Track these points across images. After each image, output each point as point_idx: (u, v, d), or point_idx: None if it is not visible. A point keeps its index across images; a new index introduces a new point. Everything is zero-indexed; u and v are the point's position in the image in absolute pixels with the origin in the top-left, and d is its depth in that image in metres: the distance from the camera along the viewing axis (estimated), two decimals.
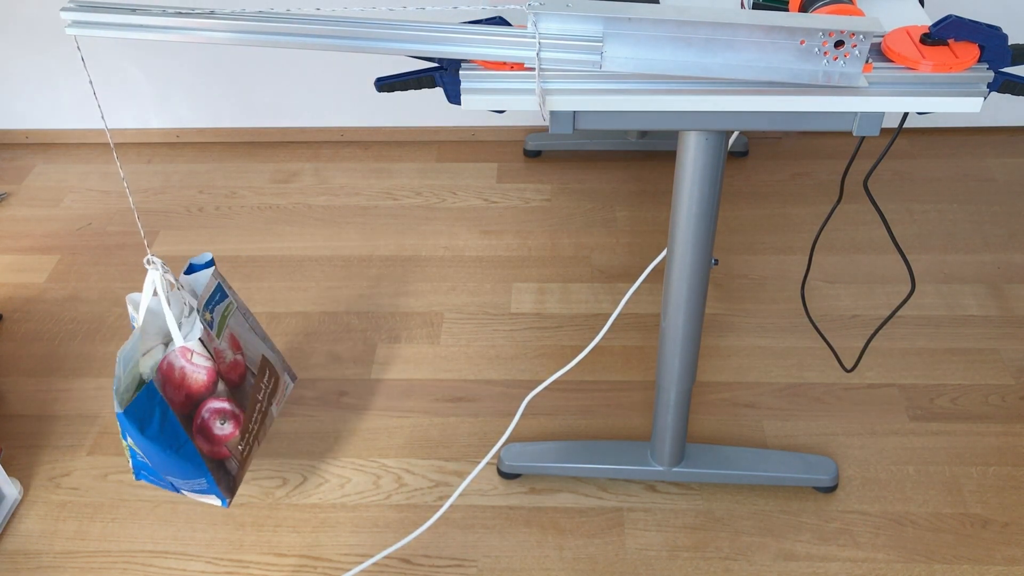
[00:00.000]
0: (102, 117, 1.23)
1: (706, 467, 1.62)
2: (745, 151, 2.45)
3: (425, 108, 2.50)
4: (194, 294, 1.42)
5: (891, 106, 1.03)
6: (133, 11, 1.00)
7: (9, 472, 1.67)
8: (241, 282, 2.10)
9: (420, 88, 1.08)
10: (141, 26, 1.01)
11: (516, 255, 2.16)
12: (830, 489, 1.62)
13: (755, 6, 1.15)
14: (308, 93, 2.49)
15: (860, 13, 1.06)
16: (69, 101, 2.52)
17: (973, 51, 1.04)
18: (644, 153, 2.47)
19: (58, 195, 2.41)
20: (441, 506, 1.62)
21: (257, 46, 1.03)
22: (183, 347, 1.36)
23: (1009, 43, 1.03)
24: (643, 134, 2.46)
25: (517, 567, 1.54)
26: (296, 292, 2.08)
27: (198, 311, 1.38)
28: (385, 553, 1.55)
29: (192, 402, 1.39)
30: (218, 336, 1.41)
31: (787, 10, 1.14)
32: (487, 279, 2.09)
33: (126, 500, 1.66)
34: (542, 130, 2.51)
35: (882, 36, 1.08)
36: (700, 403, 1.79)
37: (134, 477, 1.47)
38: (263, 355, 1.50)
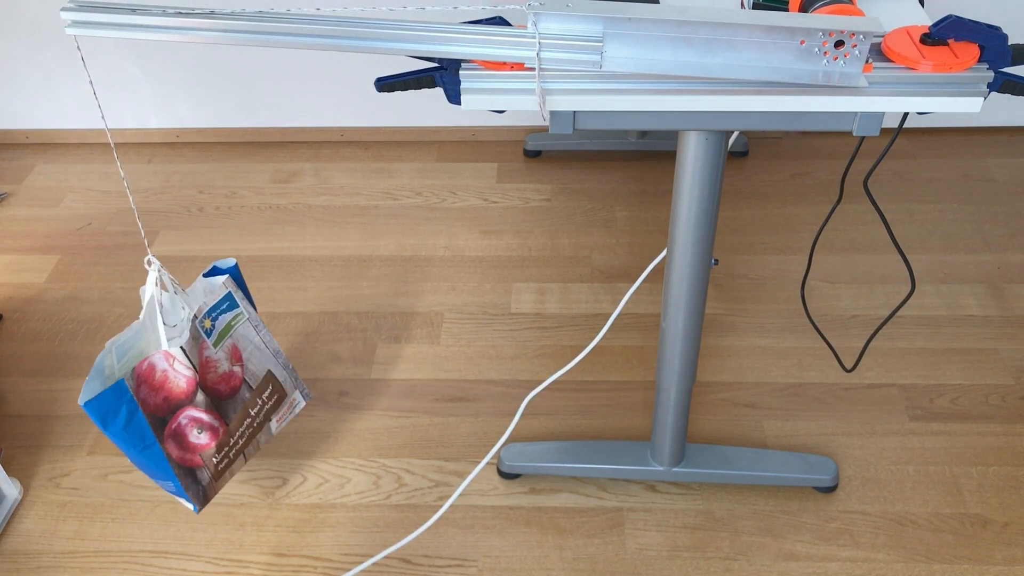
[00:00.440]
0: (102, 117, 1.24)
1: (706, 467, 1.62)
2: (745, 151, 2.45)
3: (425, 108, 2.50)
4: (201, 298, 1.42)
5: (891, 106, 1.03)
6: (133, 11, 1.00)
7: (9, 472, 1.67)
8: None
9: (420, 88, 1.08)
10: (141, 26, 1.01)
11: (516, 255, 2.16)
12: (830, 489, 1.62)
13: (755, 6, 1.15)
14: (308, 93, 2.49)
15: (860, 13, 1.06)
16: (69, 101, 2.52)
17: (973, 51, 1.04)
18: (644, 153, 2.47)
19: (58, 195, 2.41)
20: (441, 506, 1.62)
21: (257, 46, 1.03)
22: (166, 351, 1.36)
23: (1009, 43, 1.03)
24: (643, 134, 2.46)
25: (517, 567, 1.54)
26: (296, 292, 2.08)
27: (195, 317, 1.37)
28: (385, 553, 1.55)
29: (170, 406, 1.38)
30: (216, 345, 1.40)
31: (787, 10, 1.14)
32: (487, 279, 2.09)
33: (126, 500, 1.66)
34: (542, 130, 2.51)
35: (882, 36, 1.08)
36: (700, 403, 1.79)
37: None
38: (269, 370, 1.49)
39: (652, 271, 1.59)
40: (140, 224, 1.43)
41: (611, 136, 2.46)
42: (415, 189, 2.38)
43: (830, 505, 1.61)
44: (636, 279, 1.60)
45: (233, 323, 1.42)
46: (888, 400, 1.78)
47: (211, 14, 1.01)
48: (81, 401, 1.29)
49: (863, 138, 1.19)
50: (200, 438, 1.42)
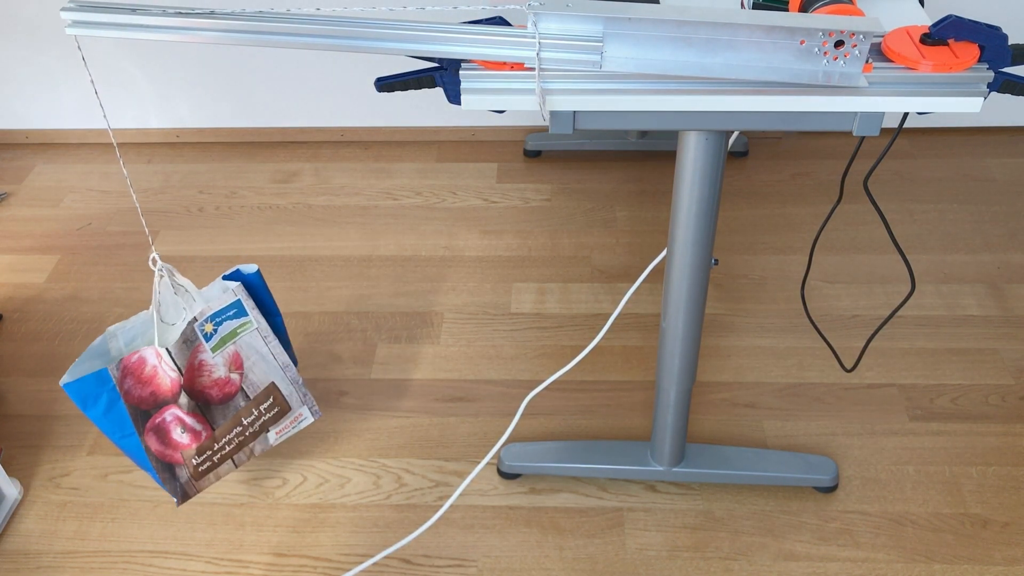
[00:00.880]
0: (104, 117, 1.23)
1: (706, 467, 1.62)
2: (745, 151, 2.45)
3: (425, 108, 2.50)
4: (209, 300, 1.41)
5: (891, 106, 1.03)
6: (133, 11, 1.00)
7: (9, 472, 1.67)
8: None
9: (420, 88, 1.08)
10: (141, 26, 1.01)
11: (516, 255, 2.16)
12: (830, 489, 1.62)
13: (755, 6, 1.15)
14: (308, 93, 2.49)
15: (860, 13, 1.06)
16: (69, 101, 2.52)
17: (973, 51, 1.04)
18: (644, 153, 2.47)
19: (58, 195, 2.41)
20: (441, 506, 1.62)
21: (257, 46, 1.03)
22: (155, 349, 1.36)
23: (1009, 43, 1.03)
24: (643, 134, 2.46)
25: (517, 567, 1.54)
26: (296, 292, 2.08)
27: (195, 320, 1.37)
28: (385, 553, 1.55)
29: (156, 401, 1.39)
30: (215, 350, 1.39)
31: (787, 10, 1.14)
32: (487, 279, 2.09)
33: (126, 500, 1.66)
34: (542, 130, 2.51)
35: (882, 36, 1.08)
36: (700, 403, 1.79)
37: None
38: (272, 383, 1.48)
39: (652, 271, 1.59)
40: (144, 223, 1.43)
41: (611, 136, 2.46)
42: (415, 189, 2.38)
43: (830, 505, 1.61)
44: (636, 279, 1.60)
45: (239, 331, 1.40)
46: (888, 400, 1.78)
47: (211, 14, 1.01)
48: (62, 382, 1.31)
49: (863, 138, 1.19)
50: (182, 437, 1.42)
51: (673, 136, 2.42)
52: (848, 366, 1.83)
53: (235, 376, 1.42)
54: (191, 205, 2.35)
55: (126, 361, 1.37)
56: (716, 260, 1.43)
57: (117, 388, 1.36)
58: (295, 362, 1.56)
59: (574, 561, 1.54)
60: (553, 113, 1.08)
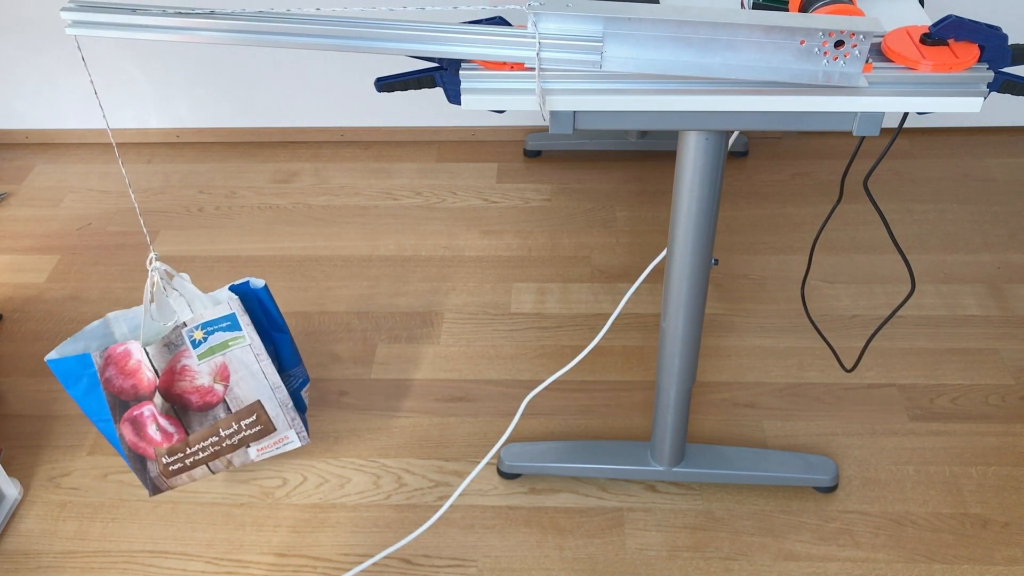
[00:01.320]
0: (103, 116, 1.23)
1: (706, 467, 1.62)
2: (745, 151, 2.45)
3: (425, 108, 2.50)
4: (206, 307, 1.40)
5: (891, 106, 1.03)
6: (133, 11, 1.00)
7: (9, 472, 1.67)
8: None
9: (420, 88, 1.08)
10: (141, 26, 1.01)
11: (516, 255, 2.16)
12: (830, 489, 1.62)
13: (755, 6, 1.15)
14: (308, 93, 2.49)
15: (860, 13, 1.06)
16: (69, 101, 2.52)
17: (973, 51, 1.04)
18: (644, 153, 2.47)
19: (58, 195, 2.41)
20: (441, 506, 1.62)
21: (257, 46, 1.03)
22: (138, 344, 1.37)
23: (1009, 43, 1.03)
24: (643, 134, 2.46)
25: (517, 567, 1.54)
26: (296, 292, 2.08)
27: (184, 325, 1.36)
28: (385, 553, 1.55)
29: (137, 394, 1.40)
30: (201, 357, 1.38)
31: (787, 10, 1.14)
32: (487, 279, 2.09)
33: (126, 500, 1.66)
34: (542, 130, 2.51)
35: (882, 36, 1.08)
36: (700, 403, 1.79)
37: None
38: (258, 401, 1.45)
39: (652, 271, 1.59)
40: (143, 223, 1.43)
41: (611, 136, 2.46)
42: (415, 189, 2.38)
43: (830, 505, 1.61)
44: (636, 279, 1.60)
45: (231, 343, 1.38)
46: (888, 400, 1.78)
47: (211, 14, 1.01)
48: (47, 357, 1.33)
49: (863, 138, 1.19)
50: (156, 434, 1.42)
51: (673, 136, 2.42)
52: (848, 366, 1.83)
53: (219, 387, 1.40)
54: (191, 205, 2.35)
55: (111, 350, 1.38)
56: (716, 260, 1.43)
57: (98, 375, 1.38)
58: (306, 377, 1.55)
59: (574, 561, 1.54)
60: (553, 113, 1.08)
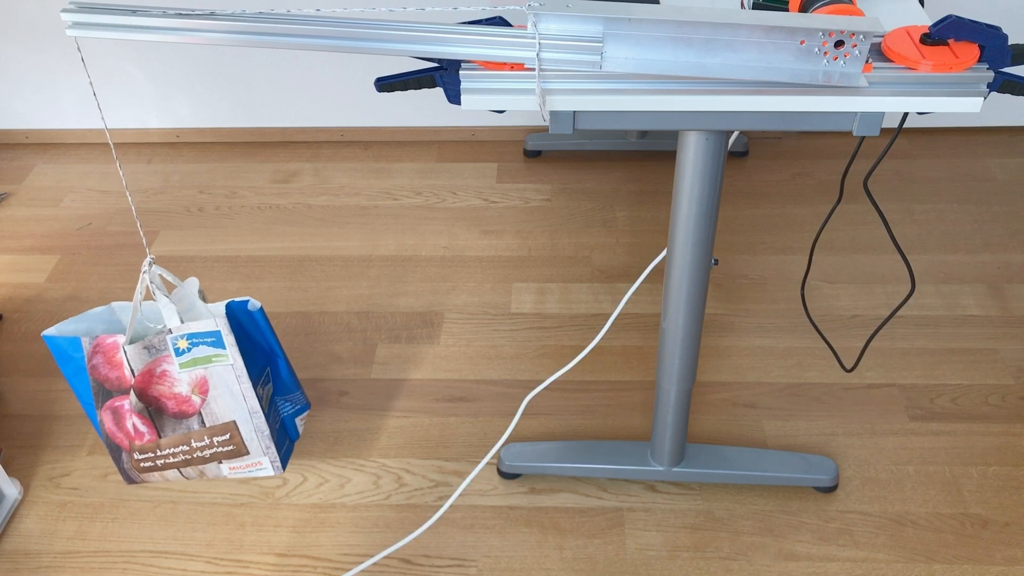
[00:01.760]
0: (102, 117, 1.24)
1: (706, 467, 1.62)
2: (745, 151, 2.45)
3: (425, 108, 2.50)
4: (194, 317, 1.39)
5: (891, 106, 1.03)
6: (133, 12, 1.00)
7: (9, 472, 1.67)
8: (241, 282, 2.11)
9: (420, 88, 1.08)
10: (141, 27, 1.01)
11: (516, 255, 2.16)
12: (830, 489, 1.62)
13: (755, 6, 1.15)
14: (308, 93, 2.49)
15: (860, 13, 1.06)
16: (69, 101, 2.52)
17: (973, 51, 1.04)
18: (644, 153, 2.47)
19: (58, 195, 2.41)
20: (441, 506, 1.62)
21: (257, 47, 1.03)
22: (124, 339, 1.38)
23: (1009, 43, 1.03)
24: (643, 134, 2.46)
25: (517, 567, 1.54)
26: (296, 292, 2.08)
27: (169, 332, 1.35)
28: (385, 553, 1.55)
29: (121, 387, 1.41)
30: (183, 367, 1.37)
31: (787, 10, 1.14)
32: (487, 279, 2.09)
33: (126, 500, 1.66)
34: (542, 130, 2.51)
35: (882, 36, 1.08)
36: (700, 403, 1.79)
37: None
38: (233, 422, 1.43)
39: (652, 271, 1.59)
40: (139, 225, 1.42)
41: (611, 136, 2.47)
42: (415, 189, 2.38)
43: (830, 505, 1.61)
44: (636, 279, 1.60)
45: (214, 359, 1.36)
46: (888, 400, 1.78)
47: (211, 15, 1.01)
48: (44, 332, 1.35)
49: (863, 138, 1.20)
50: (131, 429, 1.43)
51: (673, 136, 2.42)
52: (848, 366, 1.83)
53: (196, 399, 1.39)
54: (191, 205, 2.35)
55: (100, 340, 1.38)
56: (716, 260, 1.43)
57: (85, 360, 1.39)
58: (305, 404, 1.53)
59: (574, 561, 1.54)
60: (553, 113, 1.08)
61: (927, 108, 1.03)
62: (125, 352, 1.38)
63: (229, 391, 1.38)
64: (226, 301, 1.36)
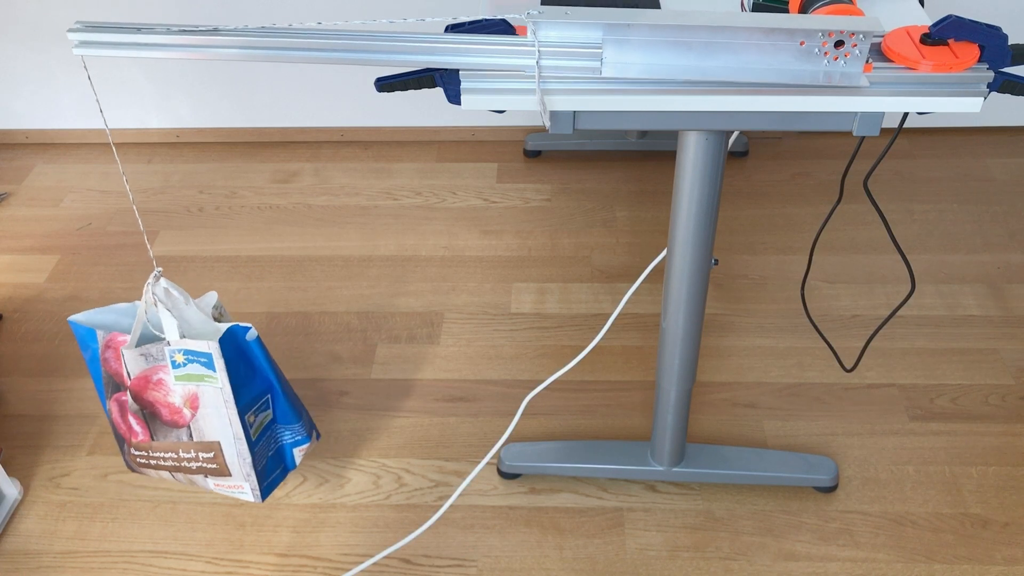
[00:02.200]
0: (102, 116, 1.24)
1: (706, 467, 1.62)
2: (745, 151, 2.45)
3: (425, 108, 2.50)
4: (190, 331, 1.40)
5: (891, 106, 1.03)
6: (138, 30, 1.01)
7: (9, 472, 1.67)
8: (241, 282, 2.11)
9: (420, 88, 1.08)
10: (147, 44, 1.02)
11: (516, 255, 2.16)
12: (830, 489, 1.62)
13: (755, 7, 1.15)
14: (308, 93, 2.49)
15: (860, 13, 1.06)
16: (69, 101, 2.52)
17: (973, 51, 1.04)
18: (644, 153, 2.47)
19: (58, 195, 2.41)
20: (441, 506, 1.62)
21: (262, 61, 1.03)
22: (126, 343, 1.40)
23: (1009, 43, 1.03)
24: (643, 134, 2.46)
25: (517, 567, 1.54)
26: (296, 292, 2.08)
27: (168, 343, 1.36)
28: (385, 553, 1.55)
29: (124, 384, 1.43)
30: (178, 380, 1.38)
31: (787, 11, 1.14)
32: (487, 279, 2.09)
33: (126, 500, 1.66)
34: (542, 130, 2.51)
35: (882, 36, 1.08)
36: (700, 403, 1.79)
37: None
38: (219, 442, 1.42)
39: (652, 271, 1.59)
40: (142, 225, 1.43)
41: (611, 136, 2.47)
42: (415, 189, 2.38)
43: (830, 505, 1.61)
44: (636, 279, 1.60)
45: (205, 379, 1.37)
46: (888, 400, 1.78)
47: (215, 31, 1.01)
48: (70, 317, 1.40)
49: (863, 138, 1.20)
50: (131, 424, 1.44)
51: (673, 136, 2.42)
52: (848, 366, 1.83)
53: (187, 412, 1.40)
54: (191, 205, 2.35)
55: (112, 337, 1.39)
56: (716, 260, 1.43)
57: (99, 353, 1.41)
58: (306, 436, 1.52)
59: (574, 561, 1.54)
60: (553, 113, 1.08)
61: (927, 108, 1.03)
62: (123, 355, 1.39)
63: (216, 412, 1.39)
64: (229, 324, 1.36)
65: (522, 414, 1.64)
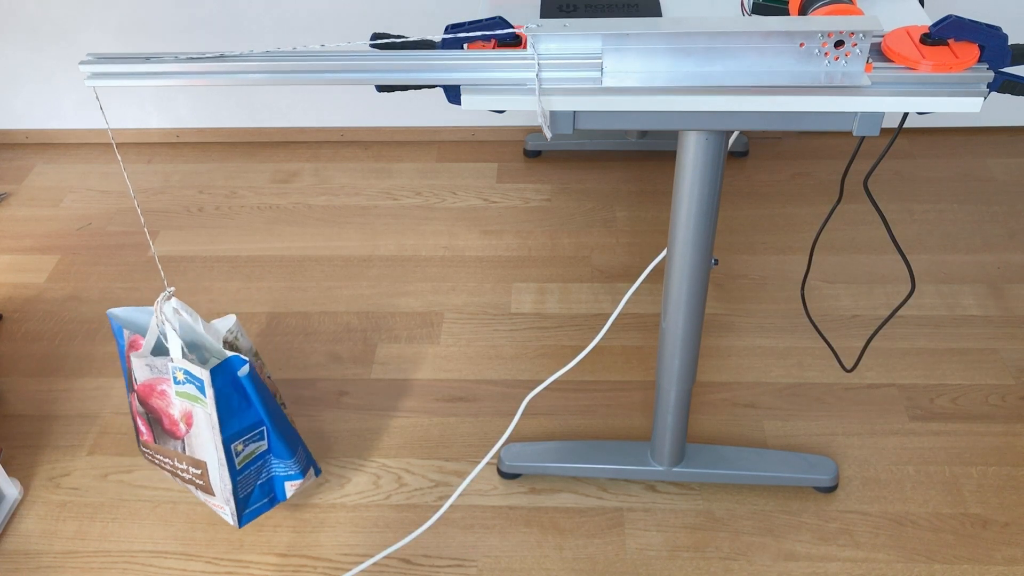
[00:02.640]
0: (103, 117, 1.24)
1: (706, 467, 1.62)
2: (745, 151, 2.45)
3: (425, 108, 2.50)
4: (193, 354, 1.41)
5: (891, 106, 1.03)
6: (147, 60, 1.03)
7: (9, 472, 1.68)
8: (241, 282, 2.11)
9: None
10: (157, 73, 1.04)
11: (516, 255, 2.16)
12: (830, 489, 1.62)
13: (755, 8, 1.15)
14: (308, 93, 2.49)
15: (860, 13, 1.06)
16: (69, 101, 2.52)
17: (973, 51, 1.04)
18: (644, 153, 2.47)
19: (58, 195, 2.41)
20: (441, 506, 1.62)
21: (270, 85, 1.04)
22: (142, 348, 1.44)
23: (1009, 43, 1.03)
24: (643, 134, 2.46)
25: (517, 567, 1.54)
26: (296, 292, 2.08)
27: (171, 360, 1.39)
28: (385, 553, 1.55)
29: (133, 384, 1.48)
30: (178, 396, 1.41)
31: (787, 12, 1.14)
32: (487, 279, 2.09)
33: (126, 500, 1.66)
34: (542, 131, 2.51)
35: (882, 36, 1.08)
36: (700, 403, 1.79)
37: None
38: (206, 463, 1.44)
39: (652, 271, 1.59)
40: (144, 225, 1.43)
41: (611, 136, 2.47)
42: (415, 189, 2.38)
43: (830, 505, 1.61)
44: (636, 279, 1.60)
45: (197, 401, 1.39)
46: (888, 400, 1.78)
47: (221, 58, 1.03)
48: (109, 310, 1.46)
49: (863, 138, 1.20)
50: (138, 423, 1.50)
51: (673, 136, 2.42)
52: (848, 366, 1.83)
53: (183, 427, 1.43)
54: (191, 205, 2.35)
55: (135, 339, 1.44)
56: (716, 260, 1.43)
57: (124, 350, 1.46)
58: (299, 472, 1.52)
59: (574, 561, 1.54)
60: (553, 113, 1.08)
61: (927, 108, 1.03)
62: (132, 360, 1.41)
63: (205, 435, 1.41)
64: (231, 355, 1.38)
65: (522, 414, 1.64)
